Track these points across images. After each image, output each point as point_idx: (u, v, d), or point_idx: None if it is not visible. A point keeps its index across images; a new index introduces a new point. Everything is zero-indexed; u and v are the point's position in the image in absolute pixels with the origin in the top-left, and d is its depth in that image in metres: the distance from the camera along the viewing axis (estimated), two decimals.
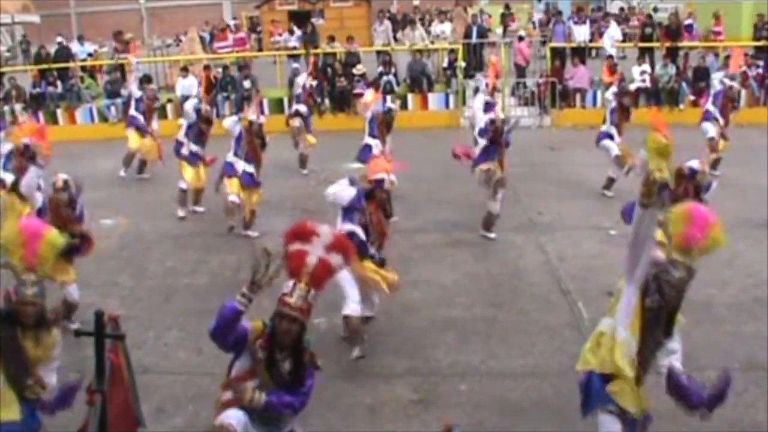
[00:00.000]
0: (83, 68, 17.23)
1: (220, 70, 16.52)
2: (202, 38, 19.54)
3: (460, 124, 14.96)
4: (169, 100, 15.43)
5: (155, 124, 11.38)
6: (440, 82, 16.12)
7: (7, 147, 7.92)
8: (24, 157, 6.98)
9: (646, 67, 15.36)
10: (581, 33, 16.34)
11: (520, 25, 19.65)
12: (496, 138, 8.09)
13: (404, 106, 15.33)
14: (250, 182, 8.34)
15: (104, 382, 3.29)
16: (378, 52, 16.95)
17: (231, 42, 18.38)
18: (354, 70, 15.66)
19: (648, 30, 16.67)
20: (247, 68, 16.26)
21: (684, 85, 15.15)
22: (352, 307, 5.54)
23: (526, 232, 8.62)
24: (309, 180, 11.23)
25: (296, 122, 11.38)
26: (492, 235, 8.28)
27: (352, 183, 5.77)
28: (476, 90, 11.19)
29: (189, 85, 15.41)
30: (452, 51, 16.09)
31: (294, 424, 3.69)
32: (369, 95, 10.09)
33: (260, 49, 19.28)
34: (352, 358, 5.56)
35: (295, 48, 17.14)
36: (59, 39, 17.67)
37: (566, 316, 6.46)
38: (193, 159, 9.48)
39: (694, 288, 5.80)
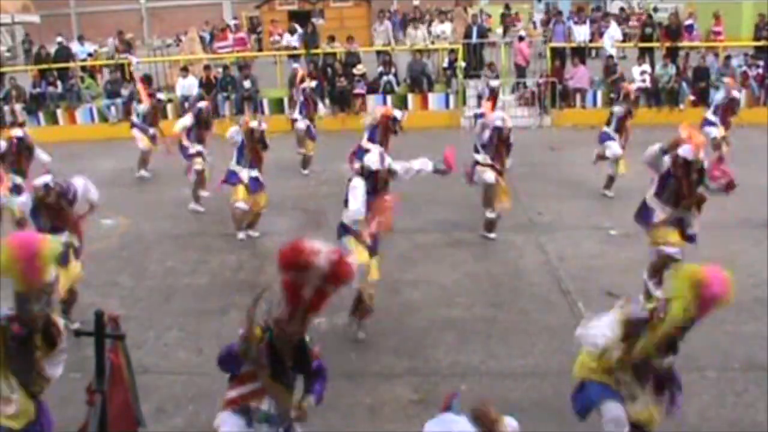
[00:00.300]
0: (83, 68, 17.22)
1: (220, 70, 16.52)
2: (202, 38, 19.54)
3: (460, 124, 14.97)
4: (170, 100, 15.43)
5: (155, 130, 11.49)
6: (440, 82, 16.13)
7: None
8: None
9: (646, 67, 15.36)
10: (581, 33, 16.35)
11: (521, 26, 19.69)
12: (500, 146, 8.10)
13: (404, 106, 15.32)
14: (256, 187, 8.36)
15: (104, 382, 3.28)
16: (378, 52, 16.95)
17: (231, 42, 18.39)
18: (354, 70, 15.66)
19: (648, 30, 16.67)
20: (247, 68, 16.27)
21: (684, 85, 15.15)
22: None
23: (526, 232, 8.62)
24: (309, 180, 11.24)
25: (302, 125, 11.36)
26: (492, 236, 8.29)
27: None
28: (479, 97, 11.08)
29: (189, 85, 15.45)
30: (452, 51, 16.09)
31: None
32: (380, 111, 10.09)
33: (260, 49, 19.28)
34: (360, 338, 5.83)
35: (295, 48, 17.13)
36: (59, 39, 17.66)
37: (566, 316, 6.46)
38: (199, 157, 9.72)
39: None
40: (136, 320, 6.47)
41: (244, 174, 8.26)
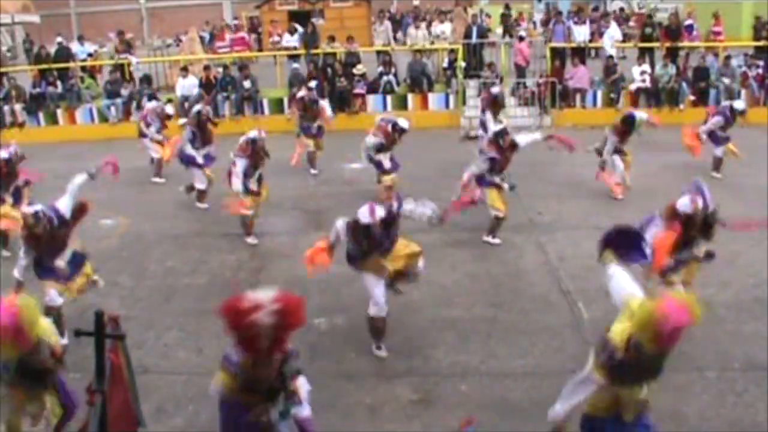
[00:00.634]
0: (83, 68, 17.22)
1: (220, 70, 16.51)
2: (201, 38, 19.54)
3: (460, 124, 14.97)
4: (169, 100, 15.42)
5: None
6: (440, 82, 16.12)
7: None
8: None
9: (646, 67, 15.35)
10: (581, 33, 16.34)
11: (524, 26, 19.72)
12: (504, 151, 8.07)
13: (404, 106, 15.33)
14: (259, 186, 8.40)
15: (104, 382, 3.28)
16: (378, 52, 16.95)
17: (227, 42, 18.40)
18: (354, 70, 15.65)
19: (648, 30, 16.66)
20: (246, 68, 16.26)
21: (684, 85, 15.14)
22: (374, 309, 5.67)
23: (526, 232, 8.62)
24: (309, 180, 11.24)
25: (311, 145, 11.36)
26: (496, 241, 8.27)
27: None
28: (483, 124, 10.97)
29: (189, 85, 15.45)
30: (452, 51, 16.09)
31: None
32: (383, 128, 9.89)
33: (260, 50, 19.27)
34: (380, 356, 5.77)
35: (295, 48, 17.13)
36: (59, 39, 17.66)
37: (566, 316, 6.47)
38: (207, 162, 9.83)
39: (694, 288, 5.83)
40: (136, 320, 6.48)
41: (252, 184, 8.26)
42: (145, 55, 18.97)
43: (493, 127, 9.02)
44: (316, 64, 16.31)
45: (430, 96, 15.70)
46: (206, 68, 16.27)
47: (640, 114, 9.93)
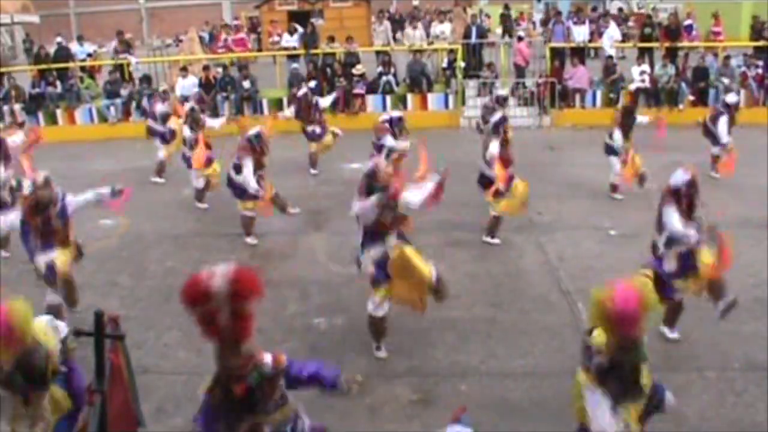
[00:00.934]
0: (83, 68, 17.21)
1: (219, 70, 16.51)
2: (201, 38, 19.53)
3: (459, 124, 14.98)
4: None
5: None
6: (440, 83, 16.12)
7: None
8: None
9: (646, 67, 15.36)
10: (580, 33, 16.34)
11: (524, 26, 19.74)
12: (507, 139, 8.09)
13: (404, 106, 15.32)
14: (261, 184, 8.38)
15: (104, 382, 3.28)
16: (377, 52, 16.95)
17: (222, 44, 18.40)
18: (353, 71, 15.65)
19: (647, 30, 16.67)
20: (246, 68, 16.26)
21: (683, 85, 15.15)
22: (371, 306, 5.68)
23: (526, 232, 8.62)
24: (309, 180, 11.24)
25: (312, 148, 11.38)
26: (496, 241, 8.27)
27: None
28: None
29: (189, 85, 15.44)
30: (451, 51, 16.09)
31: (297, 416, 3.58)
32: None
33: (260, 50, 19.27)
34: (380, 358, 5.77)
35: (294, 48, 17.13)
36: (59, 39, 17.65)
37: (566, 316, 6.47)
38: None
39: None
40: (136, 320, 6.48)
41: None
42: (144, 55, 18.96)
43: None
44: (316, 64, 16.31)
45: (430, 96, 15.70)
46: (206, 68, 16.28)
47: (641, 118, 9.90)
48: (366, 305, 5.77)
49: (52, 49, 17.31)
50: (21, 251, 6.39)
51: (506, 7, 21.95)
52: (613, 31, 16.88)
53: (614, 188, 9.78)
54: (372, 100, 15.55)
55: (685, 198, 5.54)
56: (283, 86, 15.85)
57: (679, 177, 5.63)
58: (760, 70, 15.26)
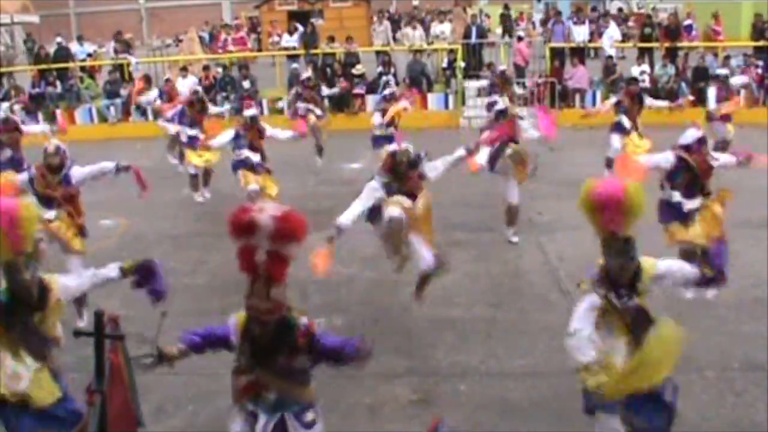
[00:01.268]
0: (83, 68, 17.22)
1: (219, 70, 16.52)
2: (201, 38, 19.54)
3: (459, 124, 14.97)
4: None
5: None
6: (439, 83, 16.13)
7: None
8: None
9: (646, 67, 15.37)
10: (580, 33, 16.35)
11: (523, 26, 19.74)
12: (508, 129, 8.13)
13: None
14: (262, 169, 8.55)
15: (104, 382, 3.28)
16: (377, 53, 16.95)
17: (221, 44, 18.41)
18: (353, 71, 15.66)
19: (647, 30, 16.68)
20: (246, 68, 16.27)
21: (683, 85, 15.15)
22: (427, 262, 5.91)
23: (526, 232, 8.61)
24: (309, 179, 11.24)
25: (312, 120, 11.38)
26: (515, 239, 8.24)
27: None
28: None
29: (189, 85, 15.43)
30: (451, 51, 16.08)
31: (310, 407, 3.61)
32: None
33: (259, 50, 19.28)
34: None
35: (294, 48, 17.13)
36: (58, 39, 17.66)
37: (566, 316, 6.38)
38: (192, 142, 9.83)
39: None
40: (136, 320, 6.46)
41: (246, 154, 8.44)
42: (144, 55, 18.97)
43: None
44: (315, 64, 16.31)
45: (430, 96, 15.71)
46: (206, 68, 16.29)
47: (659, 103, 10.00)
48: (366, 305, 5.77)
49: (52, 49, 17.32)
50: None
51: (506, 7, 21.94)
52: (613, 31, 16.90)
53: (609, 163, 9.74)
54: (372, 100, 15.54)
55: (695, 154, 5.80)
56: (283, 86, 15.85)
57: (690, 134, 5.74)
58: (760, 70, 15.27)
